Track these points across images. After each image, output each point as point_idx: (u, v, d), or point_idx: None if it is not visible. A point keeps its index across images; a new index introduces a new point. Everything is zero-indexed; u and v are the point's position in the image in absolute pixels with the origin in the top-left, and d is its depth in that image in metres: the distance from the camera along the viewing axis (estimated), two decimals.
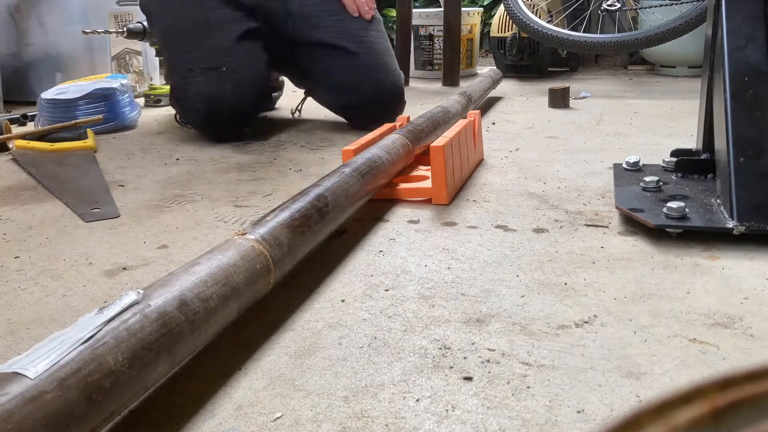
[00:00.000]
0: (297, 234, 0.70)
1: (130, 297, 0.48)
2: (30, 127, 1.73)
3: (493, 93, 2.16)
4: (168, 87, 2.12)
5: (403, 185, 1.06)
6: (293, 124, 1.75)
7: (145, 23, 2.02)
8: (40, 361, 0.40)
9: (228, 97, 1.48)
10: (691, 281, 0.72)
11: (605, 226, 0.90)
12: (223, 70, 1.49)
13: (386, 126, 1.20)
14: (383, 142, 1.07)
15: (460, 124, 1.17)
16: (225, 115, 1.51)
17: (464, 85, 1.77)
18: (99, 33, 2.07)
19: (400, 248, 0.84)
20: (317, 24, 1.56)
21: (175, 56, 1.56)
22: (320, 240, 0.78)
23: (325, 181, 0.85)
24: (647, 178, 0.97)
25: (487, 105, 1.97)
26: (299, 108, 1.82)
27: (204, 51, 1.50)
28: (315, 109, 1.85)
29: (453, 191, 1.05)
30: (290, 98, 2.09)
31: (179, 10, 1.53)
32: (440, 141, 1.03)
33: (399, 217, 0.96)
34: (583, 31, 2.37)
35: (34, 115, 1.75)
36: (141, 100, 2.07)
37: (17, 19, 2.21)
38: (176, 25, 1.55)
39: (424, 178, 1.08)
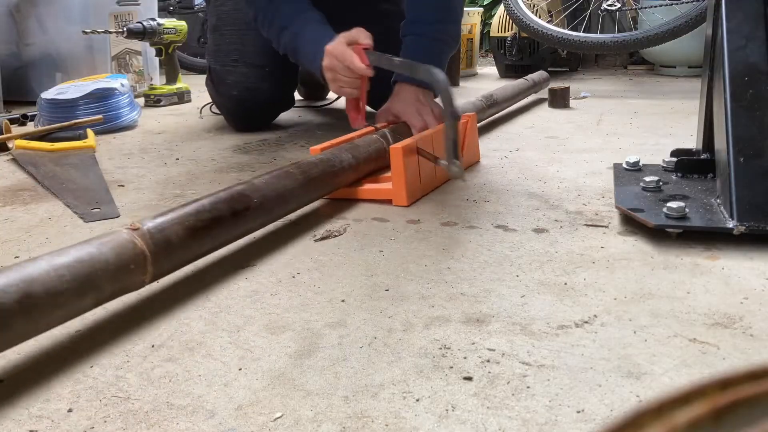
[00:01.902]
0: (195, 235, 0.68)
1: None
2: (30, 127, 1.73)
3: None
4: (168, 87, 2.13)
5: (366, 185, 1.05)
6: (293, 123, 1.75)
7: (145, 23, 2.03)
8: None
9: (264, 93, 1.59)
10: (691, 281, 0.72)
11: (605, 226, 0.90)
12: (266, 70, 1.56)
13: (366, 129, 1.20)
14: (355, 143, 1.07)
15: (441, 126, 1.16)
16: (257, 108, 1.62)
17: (496, 87, 1.74)
18: (99, 33, 2.07)
19: (400, 248, 0.84)
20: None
21: (223, 43, 1.61)
22: (229, 242, 0.75)
23: (258, 179, 0.82)
24: (647, 178, 0.97)
25: None
26: (333, 101, 1.88)
27: (253, 47, 1.56)
28: (316, 109, 1.86)
29: (417, 193, 1.03)
30: None
31: (239, 3, 1.55)
32: (400, 143, 1.02)
33: (399, 217, 0.96)
34: (583, 31, 2.37)
35: (34, 115, 1.75)
36: (141, 100, 2.07)
37: (17, 19, 2.20)
38: (232, 15, 1.59)
39: (389, 179, 1.07)
